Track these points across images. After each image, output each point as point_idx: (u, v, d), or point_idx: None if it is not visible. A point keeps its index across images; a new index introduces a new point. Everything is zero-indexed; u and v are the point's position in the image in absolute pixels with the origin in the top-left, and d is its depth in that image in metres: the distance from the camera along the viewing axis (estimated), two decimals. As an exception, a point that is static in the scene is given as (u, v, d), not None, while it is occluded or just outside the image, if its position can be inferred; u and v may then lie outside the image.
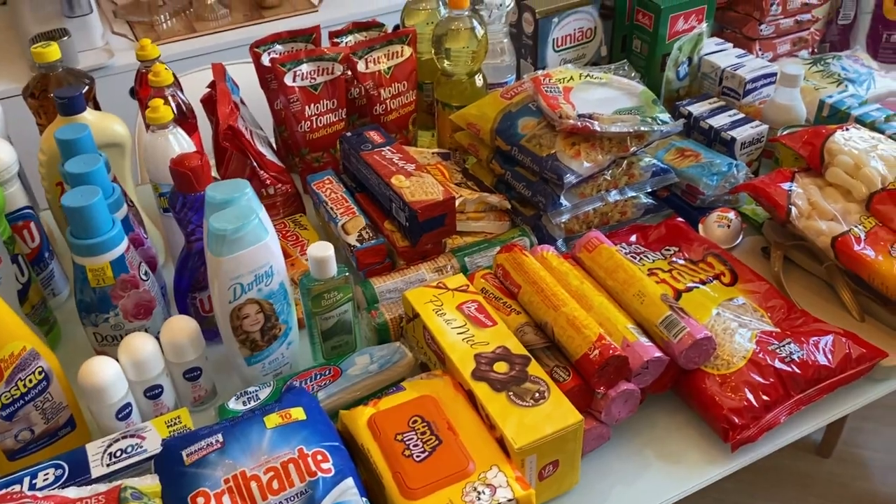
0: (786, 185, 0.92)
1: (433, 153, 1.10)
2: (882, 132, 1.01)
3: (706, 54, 1.20)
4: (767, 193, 0.91)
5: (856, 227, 0.86)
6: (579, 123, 0.94)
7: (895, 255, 0.83)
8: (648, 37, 1.24)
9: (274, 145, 1.17)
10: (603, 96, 1.03)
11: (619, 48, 1.32)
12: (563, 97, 1.01)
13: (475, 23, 1.08)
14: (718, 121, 1.11)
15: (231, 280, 0.74)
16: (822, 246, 0.87)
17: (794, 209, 0.89)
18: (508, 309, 0.82)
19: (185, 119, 0.95)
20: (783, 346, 0.79)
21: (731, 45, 1.22)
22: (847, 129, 0.95)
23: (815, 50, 1.38)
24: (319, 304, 0.80)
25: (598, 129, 0.94)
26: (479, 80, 1.13)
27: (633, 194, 1.02)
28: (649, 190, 1.03)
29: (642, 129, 0.95)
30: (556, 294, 0.78)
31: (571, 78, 1.05)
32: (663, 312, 0.77)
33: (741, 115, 1.11)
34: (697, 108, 1.14)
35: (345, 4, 1.88)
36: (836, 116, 1.08)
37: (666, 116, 0.99)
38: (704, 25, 1.18)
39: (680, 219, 1.00)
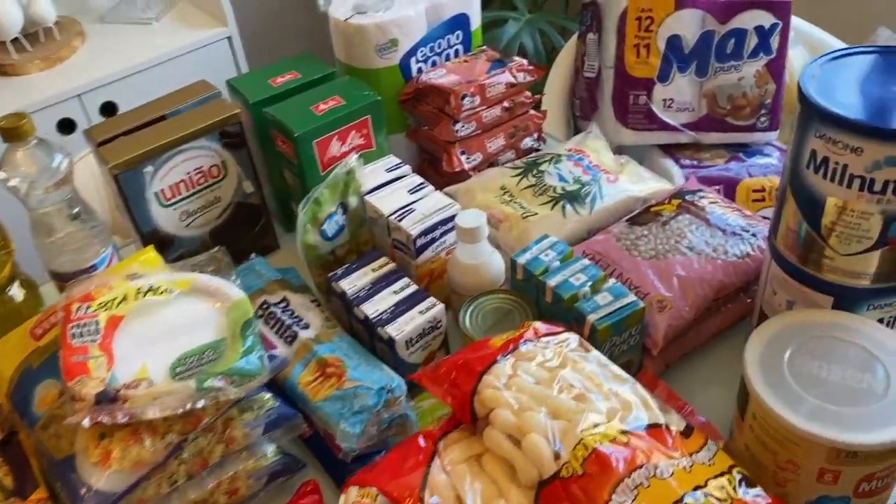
0: (420, 466, 0.60)
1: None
2: (583, 316, 0.71)
3: (368, 192, 0.86)
4: (385, 489, 0.58)
5: (518, 546, 0.55)
6: (87, 421, 0.59)
7: None
8: (296, 168, 0.90)
9: None
10: (171, 323, 0.68)
11: (277, 178, 0.97)
12: (101, 341, 0.65)
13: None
14: (378, 303, 0.77)
15: None
16: (472, 580, 0.55)
17: (429, 517, 0.57)
18: None
19: None
20: None
21: (406, 167, 0.89)
22: (513, 350, 0.63)
23: (543, 135, 1.06)
24: None
25: (123, 419, 0.59)
26: (16, 293, 0.76)
27: (239, 468, 0.67)
28: (267, 454, 0.69)
29: (197, 405, 0.61)
30: None
31: (124, 298, 0.68)
32: None
33: (413, 289, 0.79)
34: (354, 282, 0.80)
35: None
36: (531, 282, 0.76)
37: (251, 362, 0.64)
38: (354, 159, 0.84)
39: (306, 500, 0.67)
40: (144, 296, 0.69)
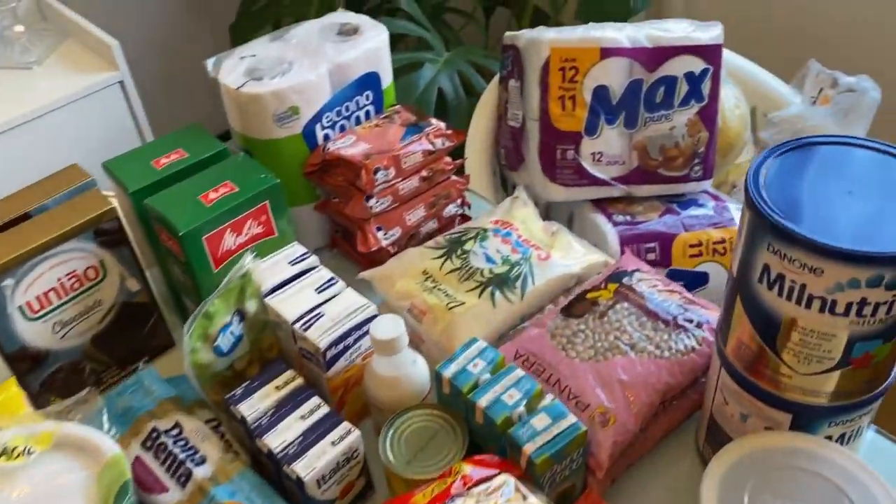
0: None
1: None
2: (519, 446, 0.62)
3: (269, 293, 0.76)
4: None
5: None
6: None
7: None
8: (184, 266, 0.78)
9: None
10: (30, 496, 0.56)
11: (167, 269, 0.85)
12: (-62, 530, 0.53)
13: None
14: (284, 433, 0.67)
15: None
16: None
17: None
18: None
19: None
20: None
21: (313, 258, 0.79)
22: (441, 512, 0.54)
23: (466, 200, 0.98)
24: None
25: None
26: None
27: None
28: None
29: None
30: None
31: (-31, 467, 0.57)
32: None
33: (323, 412, 0.69)
34: (256, 405, 0.69)
35: None
36: (459, 399, 0.68)
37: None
38: (249, 259, 0.74)
39: None
40: (-9, 461, 0.57)
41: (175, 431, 0.71)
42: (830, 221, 0.52)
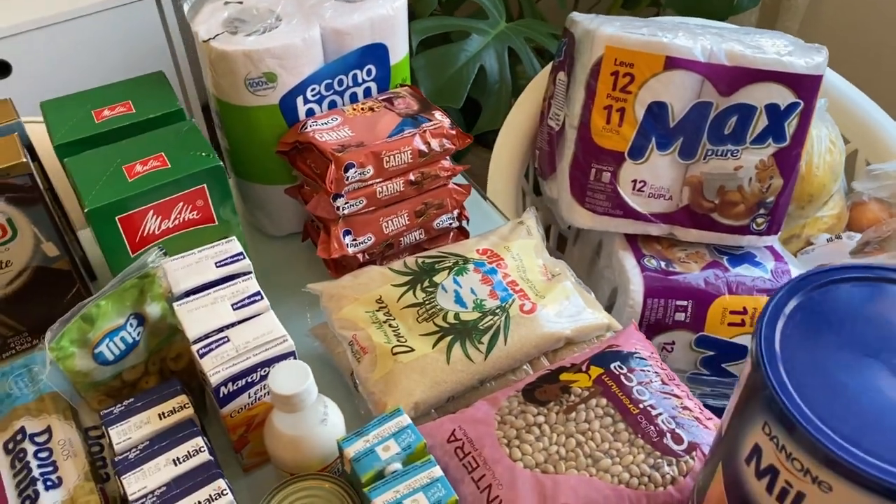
0: None
1: None
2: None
3: (182, 297, 0.63)
4: None
5: None
6: None
7: None
8: (99, 244, 0.66)
9: None
10: None
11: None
12: None
13: None
14: (148, 477, 0.55)
15: None
16: None
17: None
18: None
19: None
20: None
21: (245, 263, 0.65)
22: None
23: (465, 212, 0.82)
24: None
25: None
26: None
27: None
28: None
29: None
30: None
31: None
32: None
33: (201, 460, 0.56)
34: (129, 433, 0.57)
35: None
36: (360, 487, 0.54)
37: None
38: (154, 256, 0.61)
39: None
40: None
41: (42, 438, 0.61)
42: (868, 417, 0.35)
